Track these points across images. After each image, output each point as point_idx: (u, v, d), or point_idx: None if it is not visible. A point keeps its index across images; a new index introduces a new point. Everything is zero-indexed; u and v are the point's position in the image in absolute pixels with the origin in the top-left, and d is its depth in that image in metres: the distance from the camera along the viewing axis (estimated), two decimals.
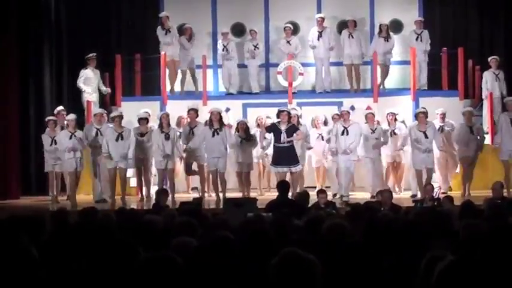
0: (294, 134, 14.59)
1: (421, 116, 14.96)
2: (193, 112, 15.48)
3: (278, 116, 14.81)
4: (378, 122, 15.87)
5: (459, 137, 15.50)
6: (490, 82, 17.26)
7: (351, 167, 15.05)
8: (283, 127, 14.60)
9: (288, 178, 14.22)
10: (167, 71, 17.80)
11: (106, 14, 19.26)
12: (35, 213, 7.86)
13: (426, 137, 14.88)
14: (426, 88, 17.77)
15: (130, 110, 16.11)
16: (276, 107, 15.73)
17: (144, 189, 15.56)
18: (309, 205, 11.51)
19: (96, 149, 15.35)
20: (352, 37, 18.00)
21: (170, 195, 13.85)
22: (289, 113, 14.86)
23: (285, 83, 17.66)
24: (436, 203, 11.87)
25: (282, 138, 14.50)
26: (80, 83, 17.18)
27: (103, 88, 17.51)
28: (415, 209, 10.62)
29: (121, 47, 18.76)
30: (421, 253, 4.53)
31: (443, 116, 15.87)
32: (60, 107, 16.58)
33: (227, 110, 17.19)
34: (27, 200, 16.35)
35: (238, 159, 15.51)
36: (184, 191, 16.28)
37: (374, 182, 15.24)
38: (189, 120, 15.66)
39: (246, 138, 15.35)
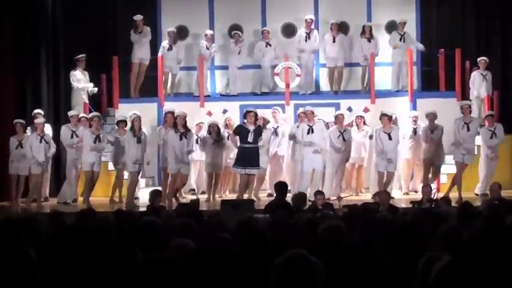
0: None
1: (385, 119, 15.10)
2: (170, 115, 15.53)
3: (245, 116, 15.00)
4: (349, 125, 16.02)
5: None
6: (477, 83, 17.36)
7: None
8: (251, 128, 14.76)
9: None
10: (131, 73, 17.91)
11: (103, 15, 19.25)
12: (31, 214, 7.86)
13: (390, 139, 15.01)
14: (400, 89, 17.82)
15: (127, 112, 16.10)
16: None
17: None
18: (306, 207, 11.51)
19: (70, 150, 15.50)
20: (334, 41, 18.05)
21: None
22: (256, 114, 15.03)
23: (282, 85, 17.66)
24: (433, 204, 11.87)
25: (249, 138, 14.69)
26: (74, 82, 17.18)
27: (90, 89, 17.48)
28: (413, 210, 10.62)
29: (118, 49, 18.74)
30: (418, 254, 4.53)
31: (415, 120, 16.03)
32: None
33: (224, 111, 17.19)
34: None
35: (207, 161, 15.71)
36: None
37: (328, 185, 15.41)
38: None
39: (217, 140, 15.56)
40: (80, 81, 17.28)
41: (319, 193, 12.90)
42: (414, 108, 16.72)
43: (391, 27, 18.53)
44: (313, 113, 15.48)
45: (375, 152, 15.36)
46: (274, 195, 12.36)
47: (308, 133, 15.22)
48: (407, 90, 17.36)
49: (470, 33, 19.35)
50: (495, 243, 4.66)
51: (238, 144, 15.02)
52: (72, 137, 15.55)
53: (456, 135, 15.25)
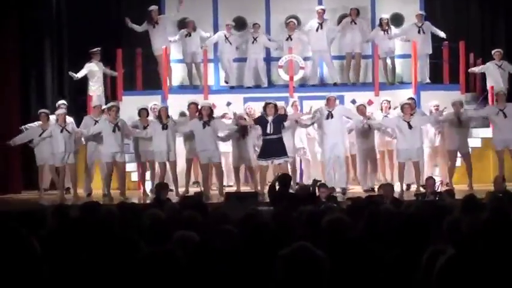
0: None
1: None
2: (194, 106, 15.48)
3: (264, 108, 14.88)
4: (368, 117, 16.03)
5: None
6: (494, 74, 17.27)
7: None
8: (269, 118, 14.68)
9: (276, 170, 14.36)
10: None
11: (107, 7, 19.24)
12: (35, 207, 7.88)
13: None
14: (429, 82, 17.76)
15: (132, 104, 16.10)
16: (277, 101, 15.67)
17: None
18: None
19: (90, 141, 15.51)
20: (355, 23, 17.96)
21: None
22: (275, 105, 14.91)
23: (286, 77, 17.65)
24: (437, 197, 11.88)
25: (268, 129, 14.57)
26: (79, 74, 17.17)
27: (108, 72, 17.52)
28: (417, 202, 10.62)
29: (122, 41, 18.74)
30: (422, 247, 4.53)
31: (437, 109, 15.84)
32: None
33: (228, 104, 17.17)
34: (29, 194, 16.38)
35: (234, 154, 15.64)
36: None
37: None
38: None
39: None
40: (95, 73, 17.27)
41: (322, 185, 12.90)
42: (418, 100, 16.67)
43: (395, 19, 18.48)
44: (336, 99, 15.41)
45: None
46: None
47: (327, 118, 15.14)
48: (424, 82, 17.34)
49: (475, 25, 19.31)
50: (499, 235, 4.66)
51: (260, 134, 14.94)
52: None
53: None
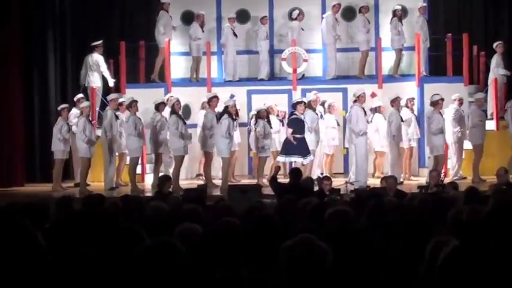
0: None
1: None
2: (216, 99, 15.65)
3: (294, 107, 15.17)
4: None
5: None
6: (498, 67, 17.28)
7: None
8: (304, 116, 15.09)
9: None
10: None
11: (110, 0, 19.21)
12: (39, 199, 7.89)
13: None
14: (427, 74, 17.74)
15: (135, 97, 16.07)
16: (281, 93, 15.75)
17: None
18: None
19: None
20: (369, 22, 17.94)
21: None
22: (305, 103, 15.23)
23: (290, 70, 17.63)
24: (440, 189, 11.87)
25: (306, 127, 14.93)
26: (84, 69, 17.18)
27: (108, 75, 17.45)
28: (420, 195, 10.62)
29: (125, 34, 18.72)
30: (425, 239, 4.53)
31: (461, 102, 15.99)
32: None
33: (231, 96, 17.17)
34: (32, 187, 16.41)
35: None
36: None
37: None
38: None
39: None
40: (95, 66, 17.23)
41: (326, 178, 12.91)
42: (421, 93, 16.65)
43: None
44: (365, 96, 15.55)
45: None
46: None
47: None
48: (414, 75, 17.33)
49: (478, 17, 19.25)
50: (502, 227, 4.66)
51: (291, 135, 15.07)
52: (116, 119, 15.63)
53: None
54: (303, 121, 15.06)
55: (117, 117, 15.68)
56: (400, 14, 17.77)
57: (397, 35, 17.66)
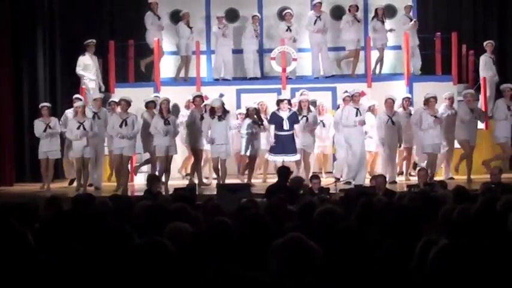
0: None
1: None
2: (199, 99, 15.60)
3: (278, 104, 15.04)
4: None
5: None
6: (487, 66, 17.29)
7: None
8: (285, 115, 14.84)
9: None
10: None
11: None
12: (28, 199, 7.88)
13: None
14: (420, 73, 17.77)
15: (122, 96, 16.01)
16: (270, 92, 15.70)
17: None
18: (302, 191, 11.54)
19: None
20: (358, 21, 17.95)
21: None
22: (289, 101, 15.12)
23: (279, 69, 17.62)
24: (429, 188, 11.90)
25: (284, 125, 14.77)
26: (80, 71, 17.10)
27: (99, 81, 17.41)
28: (409, 193, 10.65)
29: (114, 33, 18.67)
30: (415, 237, 4.55)
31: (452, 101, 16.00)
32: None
33: (221, 95, 17.14)
34: (22, 186, 16.37)
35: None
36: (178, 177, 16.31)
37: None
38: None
39: (258, 123, 15.41)
40: (88, 66, 17.14)
41: (315, 177, 12.93)
42: (410, 92, 16.67)
43: (388, 11, 18.44)
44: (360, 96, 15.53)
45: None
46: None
47: (356, 115, 15.12)
48: (402, 74, 17.35)
49: (467, 16, 19.30)
50: (489, 225, 4.68)
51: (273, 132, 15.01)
52: (93, 118, 15.48)
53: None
54: (282, 118, 14.95)
55: (98, 117, 15.58)
56: (381, 13, 17.82)
57: (377, 34, 17.71)
